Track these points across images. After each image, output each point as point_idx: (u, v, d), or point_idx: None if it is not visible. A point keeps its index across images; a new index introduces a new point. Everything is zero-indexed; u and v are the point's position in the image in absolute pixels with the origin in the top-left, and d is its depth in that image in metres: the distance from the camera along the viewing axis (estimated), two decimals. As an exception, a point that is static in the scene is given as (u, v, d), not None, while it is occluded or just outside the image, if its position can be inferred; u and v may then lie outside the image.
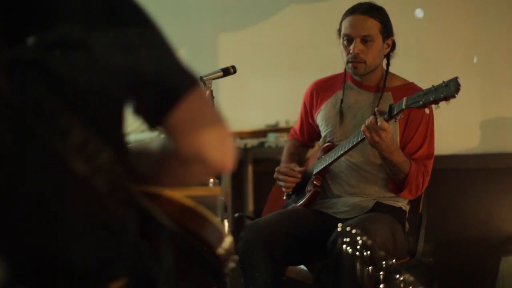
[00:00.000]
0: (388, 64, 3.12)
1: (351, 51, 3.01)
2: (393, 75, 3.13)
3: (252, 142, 4.27)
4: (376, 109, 2.86)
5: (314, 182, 3.10)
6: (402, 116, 2.77)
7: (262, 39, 4.57)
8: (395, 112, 2.75)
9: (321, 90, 3.23)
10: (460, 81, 2.58)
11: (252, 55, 4.55)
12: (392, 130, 2.82)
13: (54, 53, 1.30)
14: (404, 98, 2.73)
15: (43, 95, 1.29)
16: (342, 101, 3.12)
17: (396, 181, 2.96)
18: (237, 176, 4.37)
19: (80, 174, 1.30)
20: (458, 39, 4.31)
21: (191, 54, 4.54)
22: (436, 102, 2.64)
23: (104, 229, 1.36)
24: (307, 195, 3.09)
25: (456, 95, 2.59)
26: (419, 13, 4.37)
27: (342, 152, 2.98)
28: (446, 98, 2.61)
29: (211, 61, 4.51)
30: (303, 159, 3.35)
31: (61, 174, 1.31)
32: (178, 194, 1.51)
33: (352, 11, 3.05)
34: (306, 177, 3.15)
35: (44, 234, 1.32)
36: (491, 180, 4.14)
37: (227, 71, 2.92)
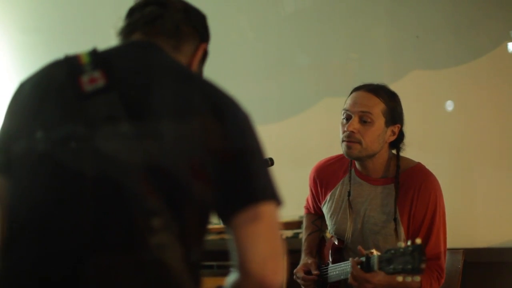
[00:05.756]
0: (398, 157, 2.87)
1: (346, 129, 2.79)
2: (401, 159, 2.88)
3: (286, 233, 4.31)
4: (358, 247, 2.69)
5: None
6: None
7: (297, 132, 4.65)
8: (371, 271, 2.59)
9: (324, 177, 3.03)
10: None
11: (288, 147, 4.63)
12: (378, 275, 2.62)
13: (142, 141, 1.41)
14: (377, 258, 2.54)
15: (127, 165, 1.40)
16: (349, 193, 2.90)
17: None
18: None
19: (144, 244, 1.38)
20: (491, 131, 4.34)
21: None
22: (405, 273, 2.41)
23: None
24: None
25: (422, 272, 2.37)
26: (449, 105, 4.41)
27: (342, 278, 2.84)
28: (413, 272, 2.38)
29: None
30: (324, 229, 3.23)
31: (130, 243, 1.40)
32: None
33: (359, 87, 2.87)
34: (324, 275, 3.03)
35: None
36: (527, 274, 4.11)
37: (265, 163, 2.96)
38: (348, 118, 2.81)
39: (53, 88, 1.51)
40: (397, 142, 2.87)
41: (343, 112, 2.85)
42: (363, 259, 2.64)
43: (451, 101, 4.41)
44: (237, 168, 1.46)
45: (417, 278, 2.40)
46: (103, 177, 1.39)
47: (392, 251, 2.46)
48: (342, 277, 2.84)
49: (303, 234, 3.25)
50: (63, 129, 1.43)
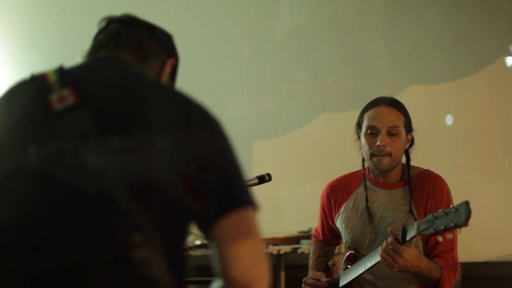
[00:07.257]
0: (408, 160, 3.03)
1: (377, 144, 2.92)
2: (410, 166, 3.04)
3: (285, 248, 4.31)
4: (388, 229, 2.74)
5: None
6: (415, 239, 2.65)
7: (295, 147, 4.66)
8: (407, 238, 2.63)
9: (337, 191, 3.12)
10: (471, 207, 2.45)
11: (285, 163, 4.64)
12: (410, 250, 2.70)
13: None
14: (416, 223, 2.59)
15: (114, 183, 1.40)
16: (367, 199, 3.01)
17: (430, 286, 2.87)
18: (270, 282, 4.39)
19: (128, 258, 1.39)
20: (489, 145, 4.35)
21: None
22: (447, 230, 2.48)
23: None
24: None
25: (466, 224, 2.44)
26: (448, 119, 4.43)
27: (363, 270, 2.89)
28: (457, 227, 2.45)
29: (245, 168, 4.58)
30: (331, 257, 3.30)
31: (113, 253, 1.40)
32: None
33: (376, 103, 2.99)
34: (334, 285, 3.08)
35: None
36: (526, 287, 4.11)
37: (263, 179, 2.97)
38: (373, 133, 2.96)
39: (22, 109, 1.51)
40: (409, 147, 3.05)
41: (366, 128, 2.98)
42: (399, 235, 2.70)
43: (450, 115, 4.43)
44: (215, 176, 1.46)
45: (460, 231, 2.51)
46: (80, 194, 1.40)
47: (435, 215, 2.54)
48: (361, 270, 2.88)
49: (310, 257, 3.30)
50: (36, 150, 1.43)
